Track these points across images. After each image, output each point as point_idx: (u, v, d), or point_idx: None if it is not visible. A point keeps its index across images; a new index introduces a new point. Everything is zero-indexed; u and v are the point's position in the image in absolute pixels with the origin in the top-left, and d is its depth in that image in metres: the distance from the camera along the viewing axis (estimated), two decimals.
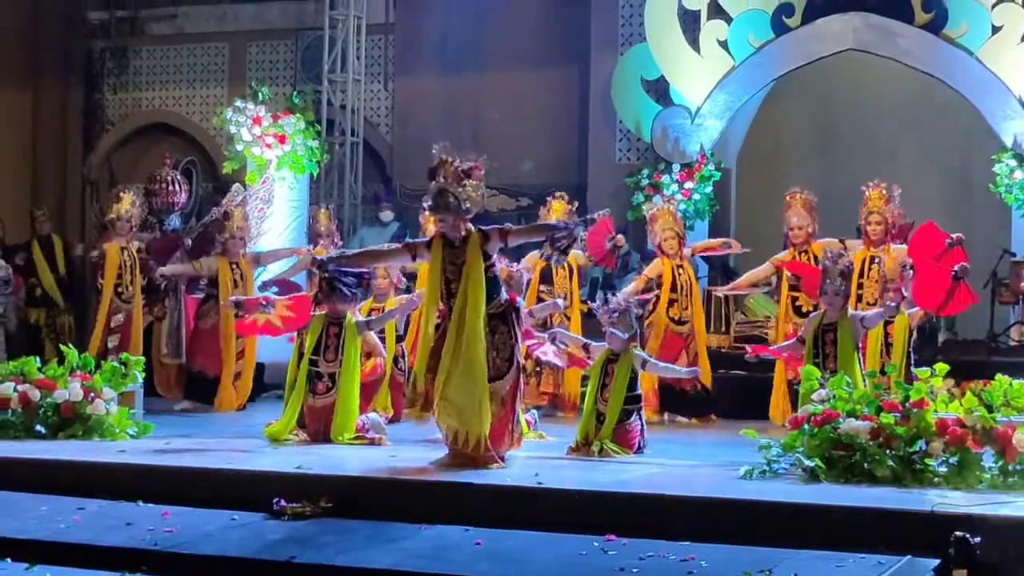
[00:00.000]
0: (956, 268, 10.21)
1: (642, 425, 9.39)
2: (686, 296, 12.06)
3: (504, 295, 8.48)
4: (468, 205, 8.34)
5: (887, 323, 10.12)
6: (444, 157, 8.46)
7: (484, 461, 8.24)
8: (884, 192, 11.53)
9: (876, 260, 11.34)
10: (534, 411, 10.80)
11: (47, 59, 18.48)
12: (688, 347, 12.03)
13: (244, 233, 12.72)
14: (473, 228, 8.39)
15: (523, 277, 10.77)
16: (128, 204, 12.97)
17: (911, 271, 10.61)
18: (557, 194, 12.51)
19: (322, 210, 13.74)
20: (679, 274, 12.05)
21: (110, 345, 12.54)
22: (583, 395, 12.08)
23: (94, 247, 13.43)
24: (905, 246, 11.04)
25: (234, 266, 12.63)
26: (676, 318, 12.00)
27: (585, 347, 9.81)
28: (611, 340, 9.37)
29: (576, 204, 12.51)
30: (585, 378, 10.90)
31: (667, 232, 12.05)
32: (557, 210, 12.24)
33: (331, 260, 9.11)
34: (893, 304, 10.05)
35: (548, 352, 10.45)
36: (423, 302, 8.78)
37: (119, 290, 12.87)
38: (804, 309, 11.56)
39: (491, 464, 8.24)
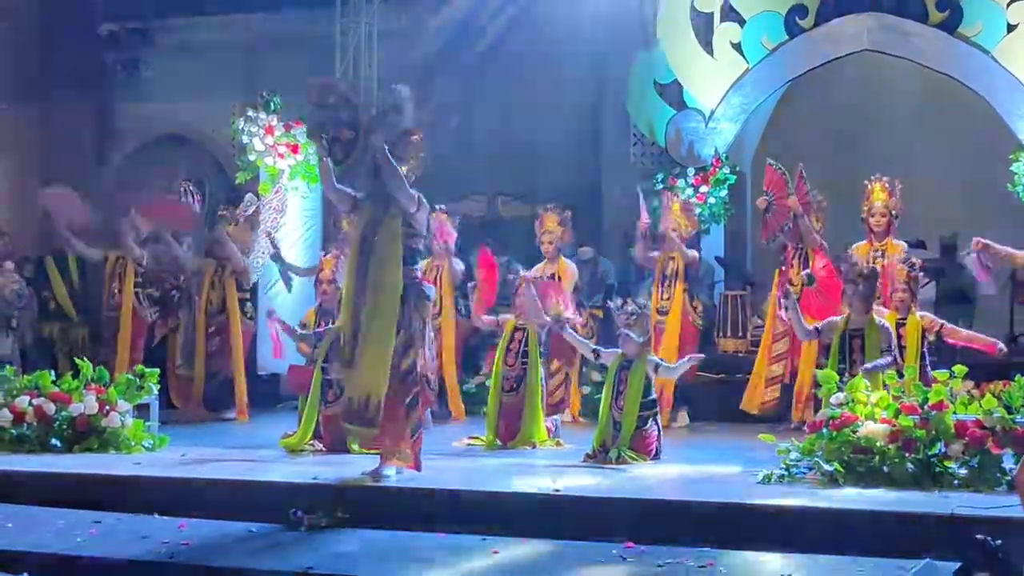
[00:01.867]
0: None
1: (659, 430, 9.40)
2: (669, 287, 12.24)
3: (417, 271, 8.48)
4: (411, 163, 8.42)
5: (898, 325, 10.08)
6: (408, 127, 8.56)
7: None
8: (886, 185, 11.61)
9: (879, 253, 11.40)
10: (556, 418, 10.82)
11: (58, 71, 18.50)
12: (662, 337, 12.05)
13: (245, 244, 12.87)
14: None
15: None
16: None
17: (920, 272, 10.60)
18: (549, 207, 12.48)
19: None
20: (666, 265, 12.29)
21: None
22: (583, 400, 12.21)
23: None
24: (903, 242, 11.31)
25: (219, 270, 12.74)
26: (657, 307, 12.15)
27: (595, 352, 9.81)
28: (625, 344, 9.38)
29: (569, 213, 12.45)
30: (599, 384, 10.94)
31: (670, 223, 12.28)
32: (550, 223, 12.17)
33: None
34: (888, 360, 9.79)
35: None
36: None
37: (107, 300, 13.08)
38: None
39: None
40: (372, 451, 8.64)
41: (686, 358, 10.08)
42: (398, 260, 8.28)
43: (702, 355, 10.43)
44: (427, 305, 8.40)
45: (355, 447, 9.22)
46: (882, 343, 9.49)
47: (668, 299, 12.24)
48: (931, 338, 10.18)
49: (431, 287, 8.67)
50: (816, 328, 10.18)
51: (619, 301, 9.74)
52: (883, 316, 9.93)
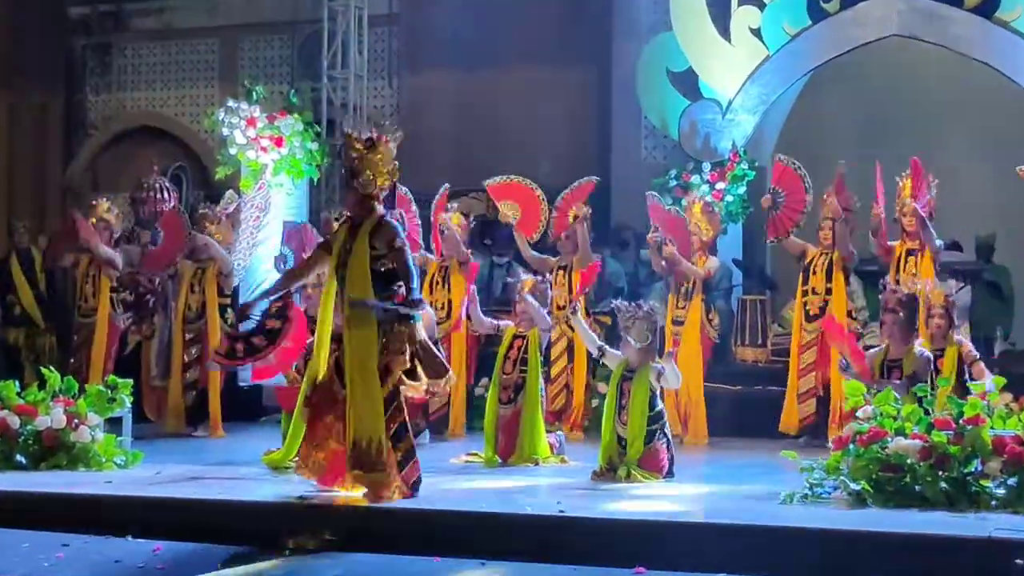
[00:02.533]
0: None
1: (668, 444, 9.38)
2: (684, 296, 12.26)
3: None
4: (369, 178, 8.37)
5: (936, 356, 10.03)
6: (347, 131, 8.55)
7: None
8: None
9: (913, 253, 11.41)
10: (560, 434, 10.81)
11: (24, 58, 18.54)
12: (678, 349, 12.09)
13: (226, 245, 12.89)
14: (379, 212, 8.42)
15: (548, 290, 10.75)
16: (103, 211, 13.09)
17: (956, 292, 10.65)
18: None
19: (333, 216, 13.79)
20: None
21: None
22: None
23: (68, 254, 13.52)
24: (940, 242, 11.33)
25: (199, 272, 12.76)
26: (673, 318, 12.22)
27: (600, 349, 9.76)
28: (624, 348, 9.37)
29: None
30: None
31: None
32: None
33: (248, 307, 8.94)
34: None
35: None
36: (323, 291, 8.66)
37: (78, 304, 13.07)
38: (812, 313, 11.88)
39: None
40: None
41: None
42: (367, 285, 8.27)
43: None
44: (410, 327, 8.36)
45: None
46: (920, 374, 9.45)
47: (683, 308, 12.24)
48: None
49: (416, 309, 8.57)
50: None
51: (625, 302, 9.67)
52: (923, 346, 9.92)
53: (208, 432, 12.56)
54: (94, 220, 13.15)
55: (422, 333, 8.41)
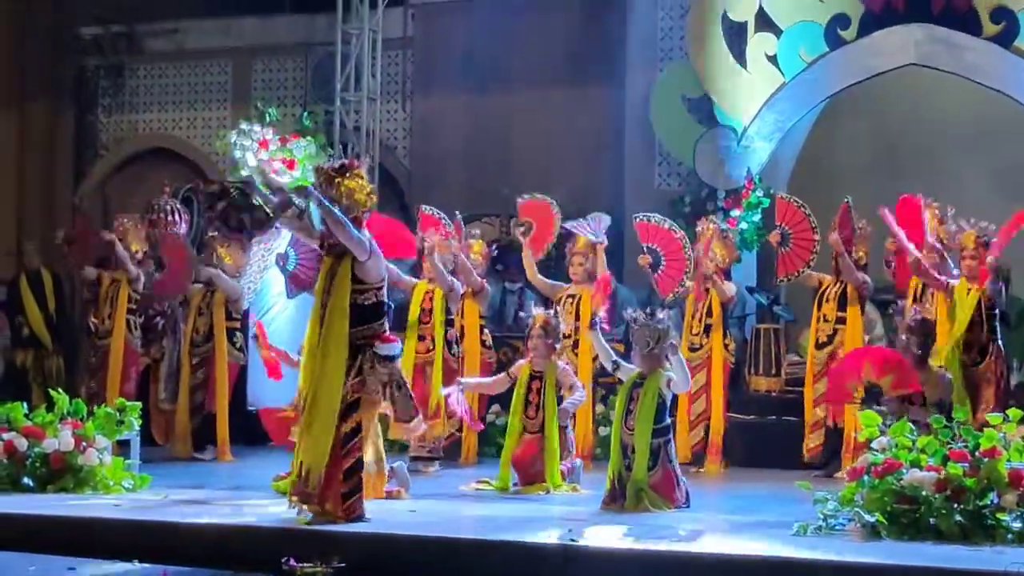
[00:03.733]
0: None
1: (676, 470, 9.34)
2: (699, 322, 12.25)
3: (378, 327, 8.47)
4: (344, 205, 8.36)
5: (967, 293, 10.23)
6: (318, 165, 8.71)
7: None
8: (937, 212, 11.60)
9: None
10: (578, 461, 10.80)
11: (35, 78, 18.58)
12: (693, 377, 12.05)
13: (237, 267, 12.96)
14: None
15: (560, 325, 10.76)
16: (129, 231, 13.18)
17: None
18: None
19: None
20: (697, 297, 12.32)
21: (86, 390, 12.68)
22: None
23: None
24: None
25: (208, 295, 12.80)
26: (689, 344, 12.13)
27: (615, 364, 9.74)
28: (634, 358, 9.39)
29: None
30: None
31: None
32: (581, 244, 12.47)
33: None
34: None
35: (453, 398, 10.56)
36: (310, 319, 8.68)
37: (94, 325, 13.09)
38: (820, 340, 11.90)
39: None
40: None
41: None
42: (345, 318, 8.33)
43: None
44: (388, 367, 8.42)
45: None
46: (938, 394, 9.48)
47: (698, 335, 12.22)
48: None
49: (394, 346, 8.57)
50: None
51: (633, 311, 9.66)
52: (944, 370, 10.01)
53: (215, 456, 12.57)
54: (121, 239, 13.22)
55: (401, 375, 8.51)
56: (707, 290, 12.29)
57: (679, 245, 12.45)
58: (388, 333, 8.53)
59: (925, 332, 10.04)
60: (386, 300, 8.54)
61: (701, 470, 11.98)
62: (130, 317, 13.23)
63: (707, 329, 12.22)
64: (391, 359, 8.45)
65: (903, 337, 9.91)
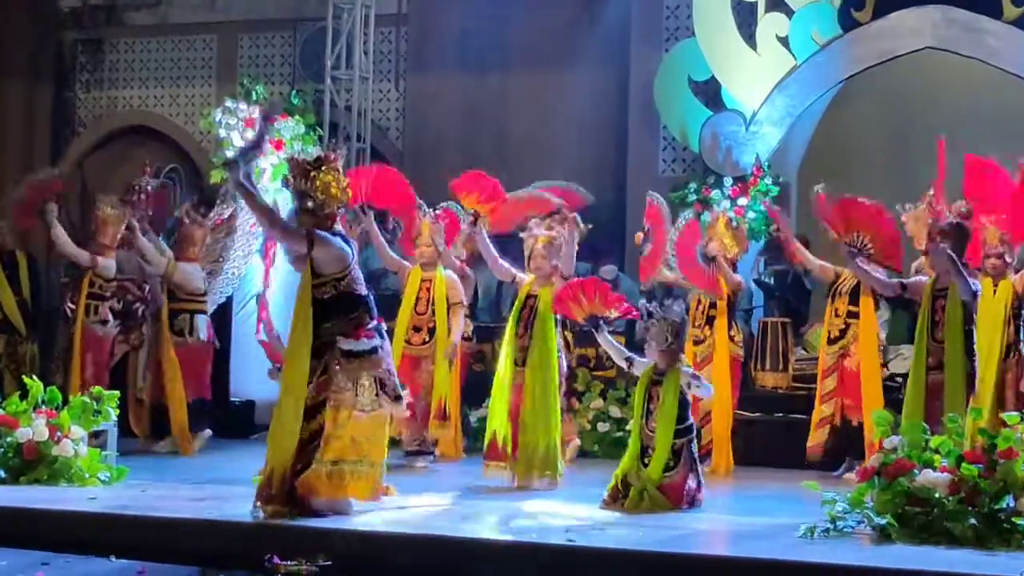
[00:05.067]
0: None
1: (698, 475, 9.34)
2: (702, 314, 12.24)
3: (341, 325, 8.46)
4: (319, 200, 8.42)
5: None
6: (291, 156, 8.81)
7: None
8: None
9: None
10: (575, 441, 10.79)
11: (10, 53, 18.55)
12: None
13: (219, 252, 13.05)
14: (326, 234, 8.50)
15: (564, 245, 10.75)
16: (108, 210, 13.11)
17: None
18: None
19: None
20: (709, 286, 12.28)
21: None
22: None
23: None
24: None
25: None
26: (693, 338, 12.10)
27: (628, 361, 9.73)
28: (649, 354, 9.37)
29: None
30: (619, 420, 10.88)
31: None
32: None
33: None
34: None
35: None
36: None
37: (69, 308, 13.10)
38: (832, 336, 11.85)
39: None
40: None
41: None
42: (307, 314, 8.37)
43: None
44: (359, 363, 8.40)
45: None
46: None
47: (700, 327, 12.21)
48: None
49: (362, 341, 8.49)
50: (901, 283, 10.81)
51: (653, 305, 9.62)
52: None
53: (174, 448, 12.55)
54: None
55: (383, 363, 8.48)
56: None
57: (665, 234, 12.43)
58: (367, 327, 8.47)
59: (960, 235, 10.18)
60: (357, 292, 8.47)
61: (706, 469, 11.97)
62: (95, 303, 13.11)
63: (710, 321, 12.20)
64: (359, 355, 8.41)
65: (938, 242, 10.07)
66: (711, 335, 12.17)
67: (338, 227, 8.57)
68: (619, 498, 9.12)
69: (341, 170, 8.61)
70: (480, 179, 11.31)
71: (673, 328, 9.28)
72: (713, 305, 12.21)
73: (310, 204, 8.45)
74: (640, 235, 12.46)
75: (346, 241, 8.53)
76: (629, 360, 9.67)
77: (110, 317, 12.99)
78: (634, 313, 9.84)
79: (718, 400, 11.94)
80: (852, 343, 11.70)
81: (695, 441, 9.43)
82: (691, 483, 9.23)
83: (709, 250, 12.21)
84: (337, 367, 8.35)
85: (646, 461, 9.16)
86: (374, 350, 8.44)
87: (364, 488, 8.56)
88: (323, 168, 8.48)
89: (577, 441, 11.25)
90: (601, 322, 9.76)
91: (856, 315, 11.75)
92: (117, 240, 13.02)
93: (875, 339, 11.79)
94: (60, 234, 12.82)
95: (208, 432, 12.88)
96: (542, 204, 12.06)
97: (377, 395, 8.40)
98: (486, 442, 10.63)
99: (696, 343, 12.13)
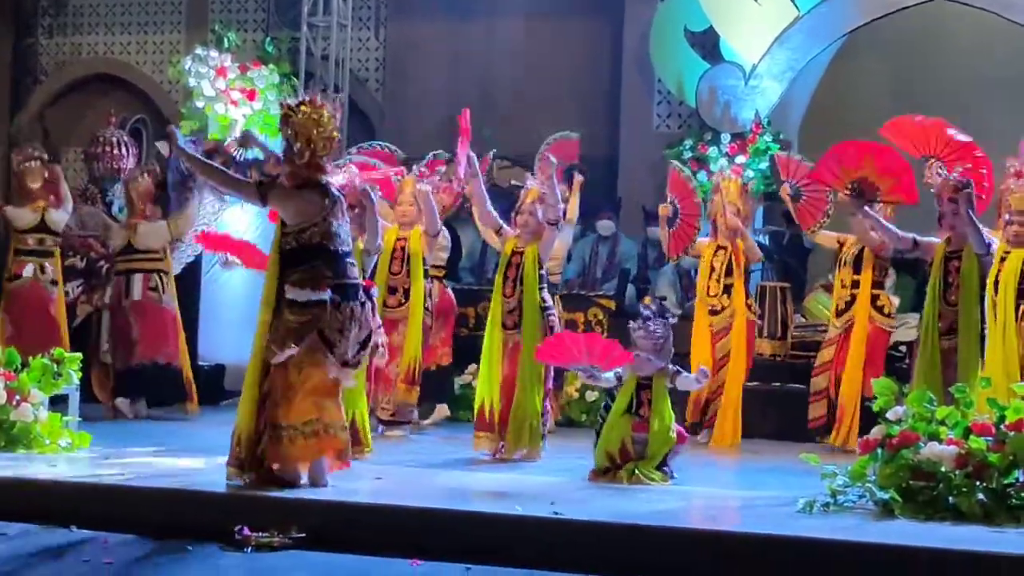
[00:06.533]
0: None
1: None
2: (717, 282, 12.20)
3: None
4: (296, 147, 8.41)
5: (1001, 259, 10.34)
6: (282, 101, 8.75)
7: None
8: None
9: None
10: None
11: None
12: (718, 343, 12.07)
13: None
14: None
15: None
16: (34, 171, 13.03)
17: None
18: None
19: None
20: (716, 255, 12.22)
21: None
22: None
23: None
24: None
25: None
26: (710, 307, 12.21)
27: (619, 378, 9.60)
28: (642, 364, 9.28)
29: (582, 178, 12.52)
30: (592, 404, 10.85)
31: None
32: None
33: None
34: None
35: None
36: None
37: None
38: (839, 308, 11.88)
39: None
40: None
41: (694, 375, 9.63)
42: (273, 269, 8.44)
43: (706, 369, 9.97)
44: (304, 315, 8.33)
45: None
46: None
47: (715, 296, 12.18)
48: None
49: (306, 292, 8.36)
50: (914, 239, 10.98)
51: (653, 310, 9.53)
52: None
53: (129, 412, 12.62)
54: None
55: (338, 321, 8.35)
56: (723, 248, 12.20)
57: (696, 206, 12.38)
58: (321, 280, 8.34)
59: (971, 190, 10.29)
60: (322, 244, 8.35)
61: (705, 441, 11.98)
62: (41, 261, 13.03)
63: (727, 290, 12.18)
64: (303, 307, 8.35)
65: (952, 200, 10.20)
66: (729, 304, 12.15)
67: (324, 178, 8.49)
68: (610, 471, 9.11)
69: (326, 115, 8.49)
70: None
71: (665, 331, 9.30)
72: (729, 273, 12.17)
73: (290, 152, 8.43)
74: (667, 208, 12.36)
75: (325, 193, 8.46)
76: (619, 377, 9.52)
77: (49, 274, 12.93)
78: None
79: (734, 370, 11.95)
80: (857, 314, 11.72)
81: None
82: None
83: (731, 222, 12.16)
84: (289, 319, 8.32)
85: (638, 448, 9.16)
86: (321, 303, 8.32)
87: (323, 452, 8.47)
88: (302, 112, 8.42)
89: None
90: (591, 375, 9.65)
91: (859, 284, 11.76)
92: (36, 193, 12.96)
93: (868, 308, 11.78)
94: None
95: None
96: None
97: (325, 356, 8.35)
98: (475, 411, 10.59)
99: (713, 313, 12.11)
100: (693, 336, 12.07)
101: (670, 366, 9.34)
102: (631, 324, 9.52)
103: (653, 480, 9.01)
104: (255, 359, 8.40)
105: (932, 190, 11.20)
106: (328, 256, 8.37)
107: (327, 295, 8.32)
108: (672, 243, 12.51)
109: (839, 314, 11.87)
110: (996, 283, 10.26)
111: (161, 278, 12.80)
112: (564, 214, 11.33)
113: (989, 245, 10.28)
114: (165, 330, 12.82)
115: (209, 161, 8.65)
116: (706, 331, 12.12)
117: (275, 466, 8.33)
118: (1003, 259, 10.30)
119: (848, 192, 11.25)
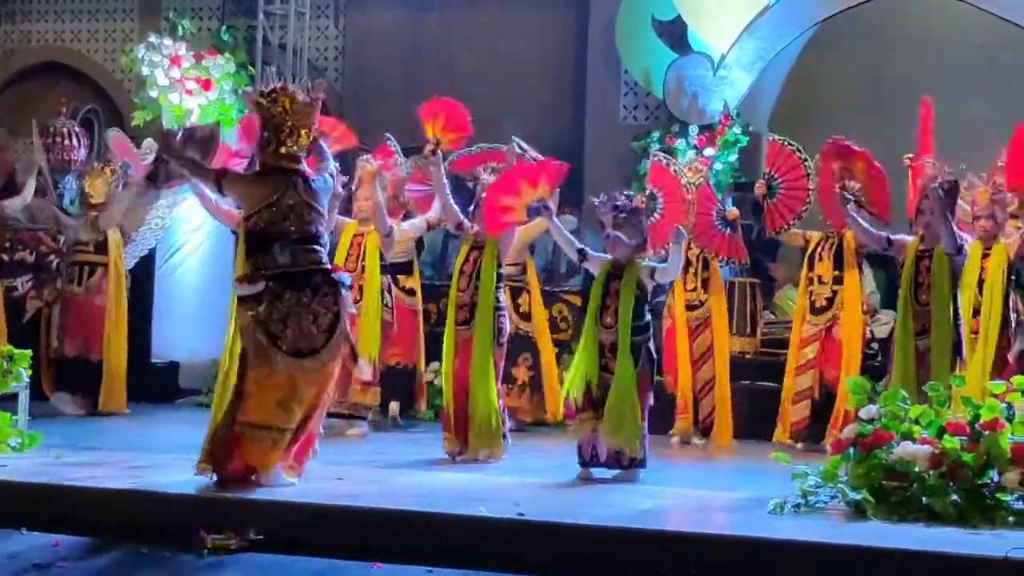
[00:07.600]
0: None
1: (651, 380, 9.43)
2: (694, 276, 12.25)
3: None
4: (263, 136, 8.50)
5: (982, 257, 10.51)
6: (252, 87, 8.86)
7: None
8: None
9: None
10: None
11: None
12: (696, 340, 12.11)
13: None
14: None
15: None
16: None
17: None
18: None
19: None
20: (690, 248, 12.13)
21: None
22: None
23: None
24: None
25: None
26: (687, 302, 12.23)
27: (581, 253, 9.67)
28: (614, 247, 9.31)
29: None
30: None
31: None
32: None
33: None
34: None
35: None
36: None
37: None
38: (818, 305, 11.87)
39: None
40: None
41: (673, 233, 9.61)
42: (241, 261, 8.50)
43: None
44: (246, 310, 8.37)
45: None
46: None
47: (695, 291, 12.24)
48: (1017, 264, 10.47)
49: (247, 287, 8.40)
50: (888, 238, 11.01)
51: (603, 196, 9.62)
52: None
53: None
54: None
55: (275, 313, 8.34)
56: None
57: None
58: (259, 271, 8.37)
59: (953, 193, 10.35)
60: (264, 232, 8.37)
61: (702, 443, 12.03)
62: None
63: (705, 284, 12.22)
64: (243, 300, 8.38)
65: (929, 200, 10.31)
66: (708, 298, 12.19)
67: (298, 166, 8.49)
68: (595, 406, 9.15)
69: (298, 103, 8.48)
70: (450, 105, 11.32)
71: (644, 223, 9.33)
72: (706, 267, 12.21)
73: (260, 140, 8.50)
74: (641, 198, 12.32)
75: (290, 182, 8.42)
76: (582, 252, 9.60)
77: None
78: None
79: (719, 366, 12.01)
80: (839, 310, 11.74)
81: (652, 341, 9.44)
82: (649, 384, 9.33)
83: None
84: (240, 315, 8.40)
85: (604, 362, 9.19)
86: (256, 297, 8.34)
87: (262, 457, 8.42)
88: (271, 99, 8.45)
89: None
90: (545, 207, 9.70)
91: (841, 280, 11.78)
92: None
93: (860, 306, 11.82)
94: None
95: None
96: (499, 155, 12.01)
97: (269, 350, 8.31)
98: (445, 410, 10.60)
99: (691, 308, 12.15)
100: (667, 332, 12.10)
101: (645, 263, 9.34)
102: (595, 202, 9.62)
103: (631, 443, 9.11)
104: (231, 355, 8.50)
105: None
106: (270, 244, 8.38)
107: (260, 287, 8.35)
108: (652, 237, 12.47)
109: (818, 311, 11.87)
110: (980, 283, 10.41)
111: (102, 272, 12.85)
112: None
113: (960, 247, 10.32)
114: (95, 325, 12.85)
115: (196, 157, 8.58)
116: (683, 327, 12.14)
117: (231, 465, 8.35)
118: (984, 256, 10.42)
119: (843, 190, 11.23)
